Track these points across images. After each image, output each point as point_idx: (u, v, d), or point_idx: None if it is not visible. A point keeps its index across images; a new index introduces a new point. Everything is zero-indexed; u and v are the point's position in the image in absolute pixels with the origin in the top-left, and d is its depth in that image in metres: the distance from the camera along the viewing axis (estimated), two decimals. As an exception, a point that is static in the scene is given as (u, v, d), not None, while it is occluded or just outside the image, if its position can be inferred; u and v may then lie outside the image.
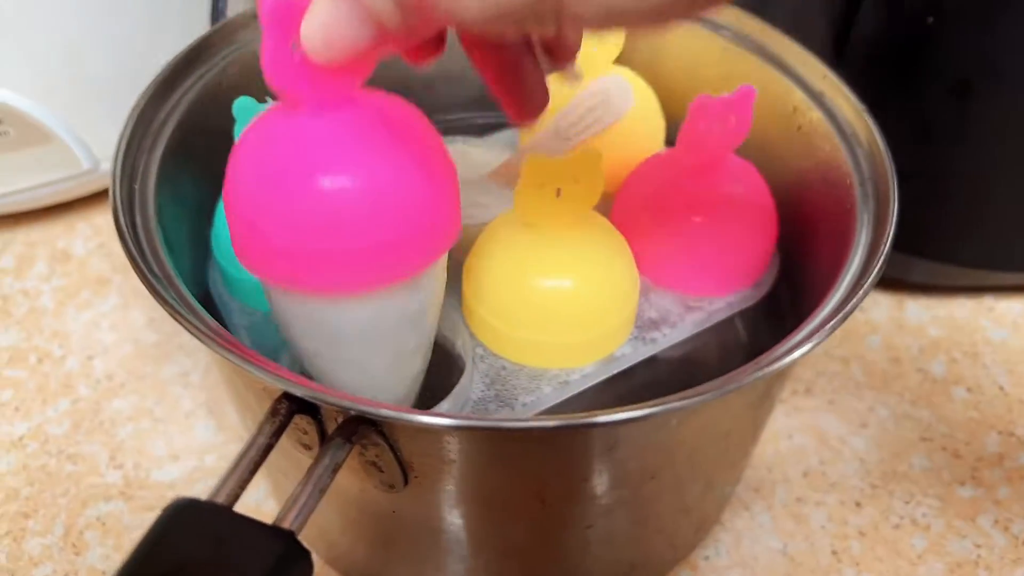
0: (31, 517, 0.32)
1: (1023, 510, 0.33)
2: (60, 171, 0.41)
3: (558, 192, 0.25)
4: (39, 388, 0.37)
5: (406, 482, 0.21)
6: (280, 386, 0.19)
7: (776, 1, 0.35)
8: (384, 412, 0.18)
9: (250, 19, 0.30)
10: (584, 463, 0.22)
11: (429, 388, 0.27)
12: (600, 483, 0.23)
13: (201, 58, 0.29)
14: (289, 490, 0.21)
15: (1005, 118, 0.33)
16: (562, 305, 0.26)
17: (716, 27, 0.32)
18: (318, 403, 0.19)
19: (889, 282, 0.41)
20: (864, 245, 0.23)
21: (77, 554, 0.31)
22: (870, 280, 0.21)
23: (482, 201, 0.31)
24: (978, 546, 0.32)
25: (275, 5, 0.18)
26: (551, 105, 0.32)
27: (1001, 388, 0.38)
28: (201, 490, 0.33)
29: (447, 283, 0.29)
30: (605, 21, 0.15)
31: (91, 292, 0.41)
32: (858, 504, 0.33)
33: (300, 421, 0.20)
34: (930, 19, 0.31)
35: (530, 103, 0.23)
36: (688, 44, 0.32)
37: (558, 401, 0.26)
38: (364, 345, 0.23)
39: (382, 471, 0.21)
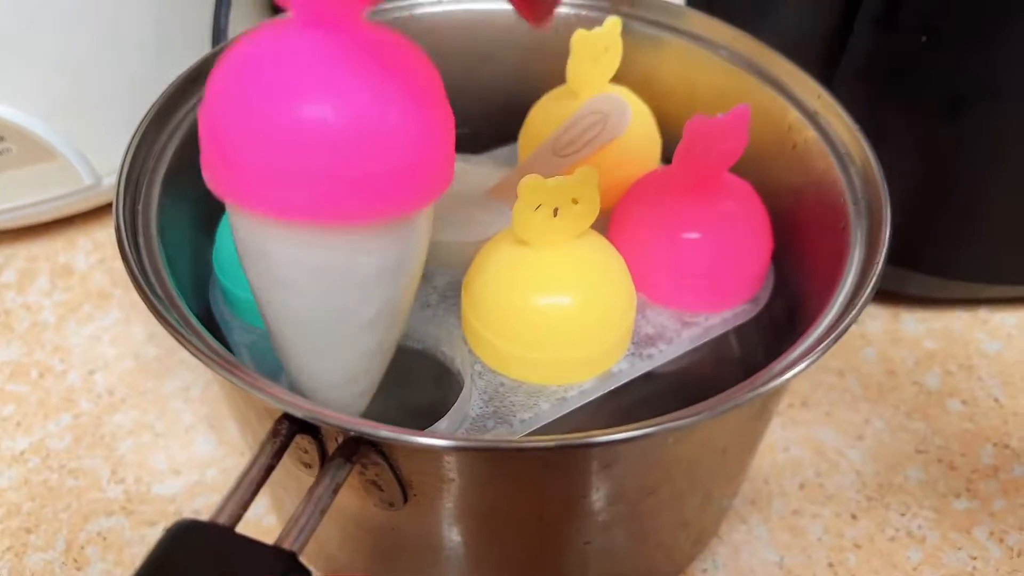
0: (33, 532, 0.33)
1: (1018, 522, 0.34)
2: (62, 187, 0.41)
3: (555, 212, 0.25)
4: (40, 403, 0.37)
5: (405, 500, 0.21)
6: (280, 407, 0.19)
7: (771, 21, 0.36)
8: (383, 433, 0.18)
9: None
10: (582, 481, 0.22)
11: (428, 405, 0.28)
12: (598, 500, 0.23)
13: (203, 79, 0.29)
14: (289, 506, 0.21)
15: (998, 134, 0.33)
16: (560, 322, 0.26)
17: (712, 46, 0.32)
18: (318, 424, 0.19)
19: (884, 295, 0.41)
20: (858, 263, 0.24)
21: (78, 569, 0.32)
22: (864, 298, 0.21)
23: (482, 218, 0.31)
24: (973, 558, 0.33)
25: None
26: (549, 124, 0.32)
27: (996, 400, 0.38)
28: (202, 505, 0.34)
29: (447, 300, 0.30)
30: None
31: (92, 307, 0.41)
32: (854, 516, 0.34)
33: (301, 441, 0.20)
34: (923, 38, 0.31)
35: (542, 5, 0.22)
36: (684, 63, 0.33)
37: (556, 417, 0.26)
38: (315, 295, 0.21)
39: (382, 490, 0.21)
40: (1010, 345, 0.40)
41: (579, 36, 0.30)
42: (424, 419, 0.25)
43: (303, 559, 0.18)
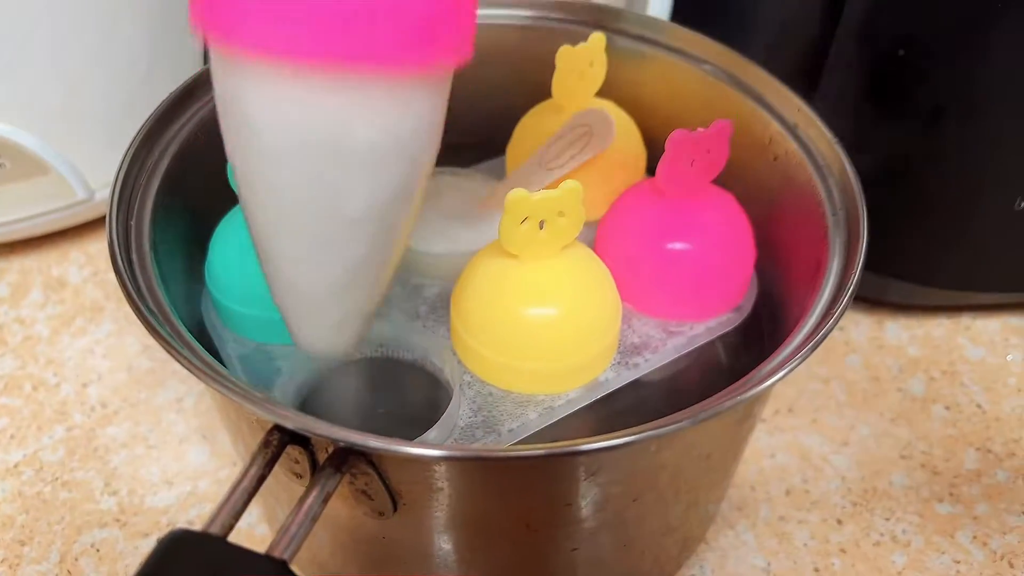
0: (27, 544, 0.33)
1: (1001, 526, 0.34)
2: (55, 201, 0.42)
3: (541, 225, 0.26)
4: (34, 416, 0.37)
5: (395, 509, 0.22)
6: (271, 419, 0.20)
7: (753, 35, 0.36)
8: (373, 443, 0.19)
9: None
10: (567, 489, 0.22)
11: (418, 415, 0.28)
12: (584, 507, 0.23)
13: (195, 95, 0.29)
14: (281, 515, 0.21)
15: (976, 144, 0.34)
16: (546, 332, 0.26)
17: (696, 60, 0.33)
18: (308, 435, 0.20)
19: (868, 302, 0.42)
20: (836, 273, 0.24)
21: (72, 581, 0.32)
22: (841, 307, 0.22)
23: (470, 231, 0.32)
24: (957, 562, 0.33)
25: None
26: (536, 138, 0.33)
27: (979, 406, 0.39)
28: (195, 515, 0.34)
29: (437, 312, 0.30)
30: None
31: (85, 319, 0.41)
32: (839, 521, 0.34)
33: (292, 451, 0.21)
34: (901, 51, 0.32)
35: None
36: (669, 77, 0.33)
37: (543, 426, 0.26)
38: (298, 173, 0.19)
39: (371, 499, 0.21)
40: (992, 351, 0.41)
41: (564, 51, 0.31)
42: (414, 429, 0.26)
43: (294, 567, 0.18)
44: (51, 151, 0.39)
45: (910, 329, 0.42)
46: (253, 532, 0.33)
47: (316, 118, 0.18)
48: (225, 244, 0.28)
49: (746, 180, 0.31)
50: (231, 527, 0.18)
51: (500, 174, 0.35)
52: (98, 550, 0.33)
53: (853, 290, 0.23)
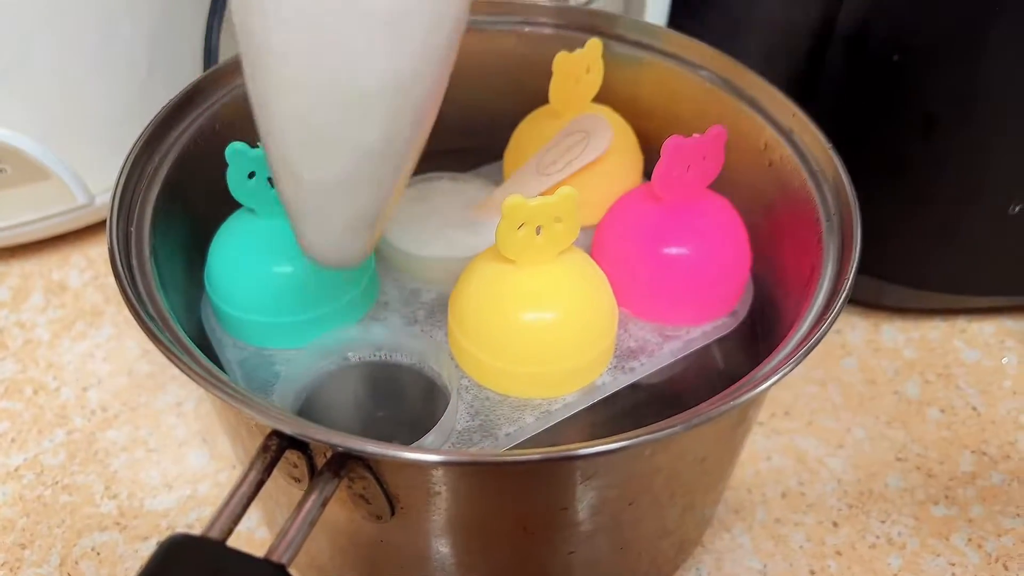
0: (27, 547, 0.33)
1: (996, 528, 0.34)
2: (56, 206, 0.42)
3: (538, 230, 0.26)
4: (35, 419, 0.38)
5: (393, 513, 0.22)
6: (270, 424, 0.20)
7: (749, 42, 0.37)
8: (370, 448, 0.19)
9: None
10: (564, 492, 0.23)
11: (416, 419, 0.28)
12: (580, 511, 0.24)
13: (194, 102, 0.30)
14: (280, 518, 0.22)
15: (969, 149, 0.34)
16: (544, 337, 0.27)
17: (692, 66, 0.33)
18: (307, 440, 0.20)
19: (865, 306, 0.42)
20: (830, 279, 0.24)
21: (73, 584, 0.32)
22: (834, 312, 0.22)
23: (468, 235, 0.32)
24: (952, 564, 0.33)
25: None
26: (533, 143, 0.33)
27: (974, 408, 0.39)
28: (194, 519, 0.34)
29: (434, 316, 0.30)
30: None
31: (86, 323, 0.42)
32: (835, 524, 0.34)
33: (291, 455, 0.21)
34: (895, 57, 0.32)
35: None
36: (665, 82, 0.34)
37: (541, 430, 0.27)
38: (308, 49, 0.17)
39: (369, 503, 0.22)
40: (987, 354, 0.41)
41: (561, 58, 0.31)
42: (413, 432, 0.26)
43: (293, 571, 0.19)
44: (52, 156, 0.40)
45: (906, 332, 0.42)
46: (253, 536, 0.33)
47: None
48: (224, 249, 0.28)
49: (742, 185, 0.31)
50: (230, 531, 0.19)
51: (498, 179, 0.36)
52: (98, 553, 0.33)
53: (846, 296, 0.23)
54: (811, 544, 0.34)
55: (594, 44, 0.32)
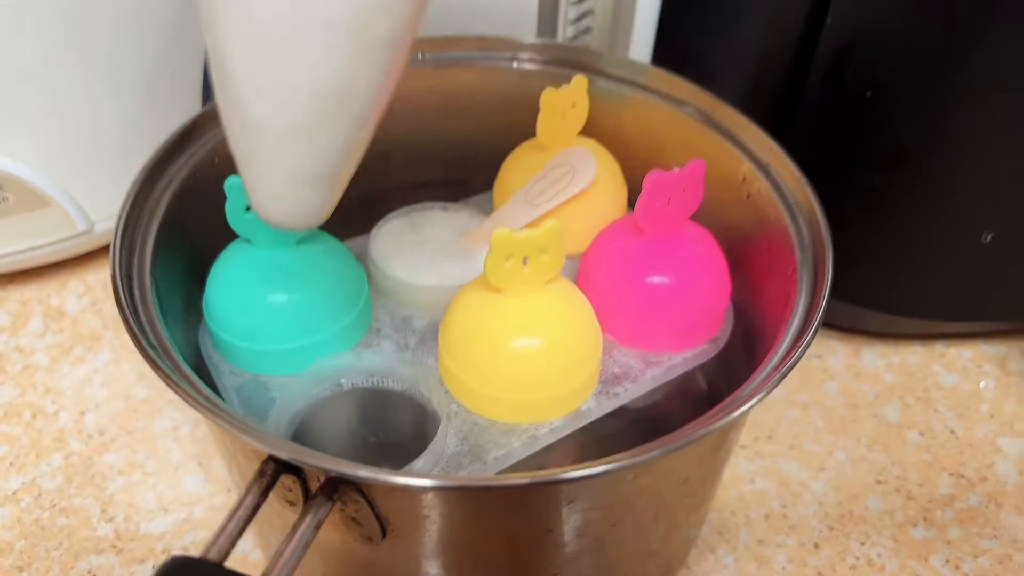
0: (25, 571, 0.34)
1: (973, 549, 0.35)
2: (56, 233, 0.43)
3: (525, 261, 0.27)
4: (33, 443, 0.38)
5: (384, 535, 0.23)
6: (266, 449, 0.21)
7: (729, 78, 0.38)
8: (363, 473, 0.20)
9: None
10: (548, 515, 0.23)
11: (407, 443, 0.29)
12: (565, 532, 0.24)
13: (193, 136, 0.31)
14: (274, 541, 0.22)
15: (940, 181, 0.35)
16: (531, 364, 0.28)
17: (674, 101, 0.34)
18: (301, 465, 0.21)
19: (845, 330, 0.43)
20: (803, 310, 0.26)
21: (69, 606, 0.33)
22: (803, 344, 0.23)
23: (458, 264, 0.33)
24: (930, 584, 0.34)
25: None
26: (521, 175, 0.34)
27: (952, 432, 0.40)
28: (190, 542, 0.35)
29: (425, 343, 0.31)
30: None
31: (84, 348, 0.42)
32: (816, 545, 0.35)
33: (285, 480, 0.22)
34: (868, 93, 0.34)
35: None
36: (648, 117, 0.35)
37: (528, 455, 0.27)
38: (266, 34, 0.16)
39: (361, 525, 0.22)
40: (965, 378, 0.42)
41: (548, 94, 0.32)
42: (404, 456, 0.27)
43: (287, 592, 0.19)
44: (53, 185, 0.41)
45: (886, 356, 0.43)
46: (247, 558, 0.34)
47: None
48: (222, 279, 0.29)
49: (722, 216, 0.32)
50: (227, 553, 0.19)
51: (487, 209, 0.37)
52: (95, 576, 0.34)
53: (817, 325, 0.24)
54: (793, 565, 0.35)
55: (579, 81, 0.33)
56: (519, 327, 0.28)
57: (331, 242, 0.31)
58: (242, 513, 0.20)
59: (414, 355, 0.31)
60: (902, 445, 0.39)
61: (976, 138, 0.33)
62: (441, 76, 0.37)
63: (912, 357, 0.43)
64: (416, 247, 0.33)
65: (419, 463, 0.26)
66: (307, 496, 0.22)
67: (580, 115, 0.34)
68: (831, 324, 0.43)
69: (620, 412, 0.30)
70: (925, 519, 0.36)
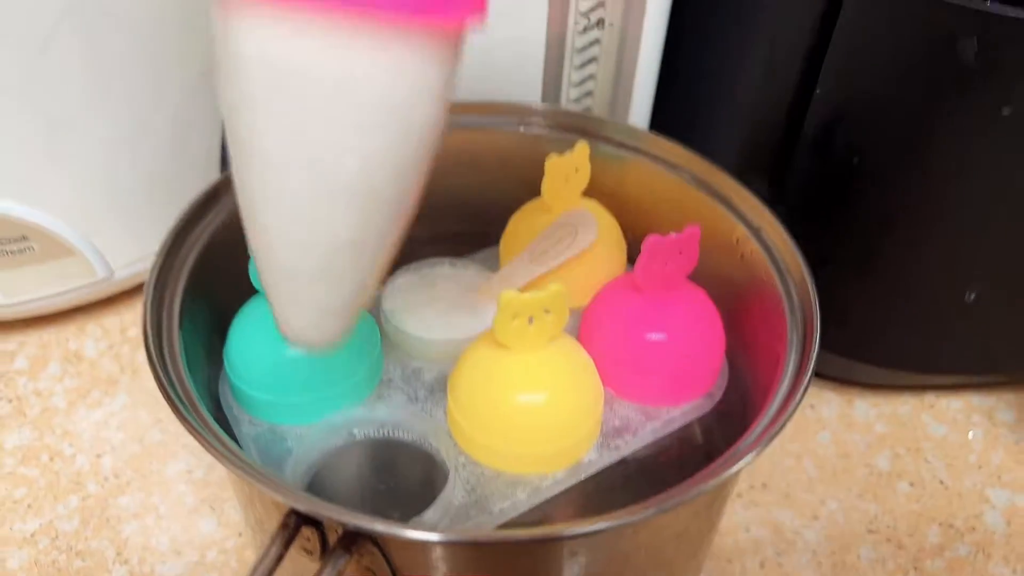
0: (42, 612, 0.35)
1: (962, 598, 0.36)
2: (77, 280, 0.44)
3: (530, 320, 0.29)
4: (50, 485, 0.40)
5: (397, 585, 0.24)
6: (290, 503, 0.22)
7: (723, 144, 0.40)
8: (379, 528, 0.21)
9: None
10: (552, 567, 0.25)
11: (417, 492, 0.30)
12: (568, 583, 0.26)
13: (217, 198, 0.33)
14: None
15: (924, 243, 0.37)
16: (535, 418, 0.29)
17: (671, 166, 0.36)
18: (321, 518, 0.22)
19: (838, 381, 0.45)
20: (791, 374, 0.27)
21: (84, 648, 0.34)
22: (790, 411, 0.25)
23: (466, 318, 0.35)
24: (920, 633, 0.35)
25: None
26: (527, 233, 0.36)
27: (941, 482, 0.41)
28: (202, 585, 0.36)
29: (434, 395, 0.33)
30: None
31: (101, 392, 0.44)
32: (810, 594, 0.36)
33: (305, 531, 0.23)
34: (855, 160, 0.36)
35: None
36: (647, 180, 0.37)
37: (532, 506, 0.29)
38: (288, 122, 0.18)
39: (376, 575, 0.24)
40: (954, 429, 0.44)
41: (552, 161, 0.34)
42: (412, 504, 0.28)
43: (306, 640, 0.21)
44: (78, 235, 0.42)
45: (877, 407, 0.44)
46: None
47: (308, 65, 0.17)
48: (242, 333, 0.31)
49: (717, 276, 0.34)
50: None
51: (494, 264, 0.39)
52: (109, 618, 0.34)
53: (805, 389, 0.26)
54: (787, 613, 0.36)
55: (582, 147, 0.35)
56: (524, 383, 0.29)
57: (346, 298, 0.32)
58: (267, 564, 0.21)
59: (423, 407, 0.32)
60: (893, 495, 0.40)
61: (956, 204, 0.35)
62: (452, 139, 0.39)
63: (903, 407, 0.44)
64: (427, 303, 0.35)
65: (429, 514, 0.27)
66: (324, 546, 0.23)
67: (582, 178, 0.36)
68: (824, 375, 0.45)
69: (620, 462, 0.31)
70: (915, 568, 0.37)
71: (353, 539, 0.22)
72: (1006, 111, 0.32)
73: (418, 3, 0.17)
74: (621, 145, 0.37)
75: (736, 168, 0.35)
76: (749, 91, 0.39)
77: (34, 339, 0.46)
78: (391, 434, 0.31)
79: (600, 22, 0.39)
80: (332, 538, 0.23)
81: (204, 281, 0.31)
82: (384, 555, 0.23)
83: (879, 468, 0.42)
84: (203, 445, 0.23)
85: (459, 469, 0.29)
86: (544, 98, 0.41)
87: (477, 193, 0.40)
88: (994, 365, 0.42)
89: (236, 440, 0.31)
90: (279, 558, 0.21)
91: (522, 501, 0.29)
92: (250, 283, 0.30)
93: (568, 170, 0.35)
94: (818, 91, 0.36)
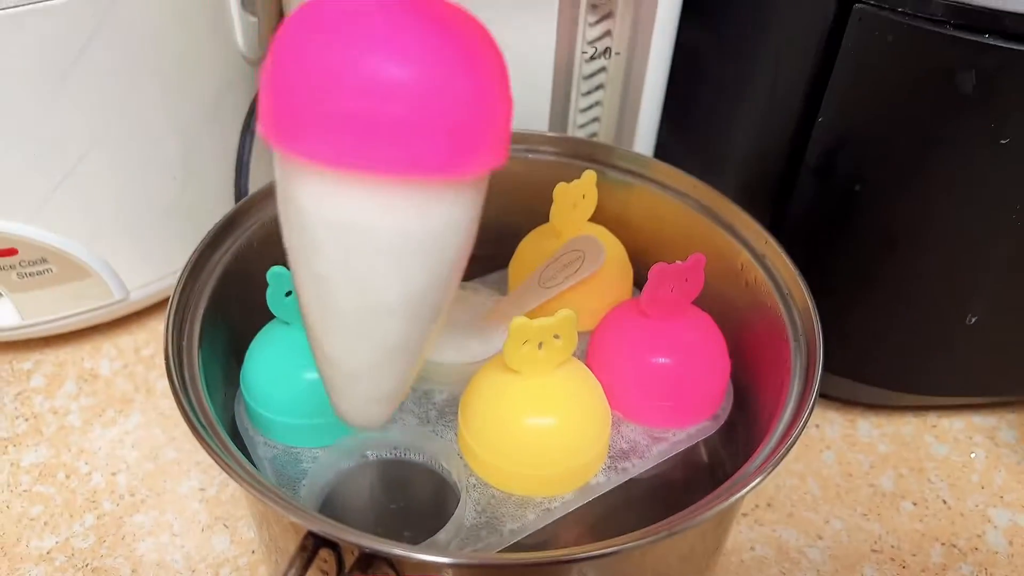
0: (59, 629, 0.35)
1: (965, 618, 0.37)
2: (94, 301, 0.45)
3: (540, 345, 0.29)
4: (66, 503, 0.40)
5: (410, 605, 0.25)
6: (307, 526, 0.23)
7: (728, 171, 0.41)
8: (395, 551, 0.22)
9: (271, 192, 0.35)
10: (561, 588, 0.25)
11: (427, 511, 0.31)
12: (576, 603, 0.26)
13: (236, 224, 0.34)
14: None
15: (926, 268, 0.38)
16: (544, 440, 0.30)
17: (676, 193, 0.37)
18: (339, 541, 0.23)
19: (842, 402, 0.46)
20: (795, 398, 0.28)
21: (101, 665, 0.34)
22: (793, 437, 0.25)
23: (476, 342, 0.35)
24: (924, 653, 0.36)
25: None
26: (535, 258, 0.37)
27: (944, 502, 0.42)
28: (216, 602, 0.36)
29: (445, 417, 0.33)
30: None
31: (116, 411, 0.45)
32: (814, 614, 0.37)
33: (322, 552, 0.24)
34: (857, 187, 0.37)
35: None
36: (653, 206, 0.38)
37: (541, 527, 0.29)
38: (338, 260, 0.21)
39: (390, 596, 0.24)
40: (956, 448, 0.44)
41: (560, 188, 0.35)
42: (424, 524, 0.29)
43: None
44: (95, 258, 0.43)
45: (880, 427, 0.45)
46: (270, 619, 0.36)
47: (355, 215, 0.20)
48: (259, 356, 0.32)
49: (721, 302, 0.34)
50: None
51: (503, 287, 0.39)
52: (125, 635, 0.35)
53: (808, 414, 0.26)
54: (792, 632, 0.36)
55: (589, 175, 0.36)
56: (534, 406, 0.30)
57: (360, 322, 0.33)
58: (286, 586, 0.22)
59: (434, 429, 0.33)
60: (896, 514, 0.41)
61: (956, 230, 0.36)
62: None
63: (906, 428, 0.45)
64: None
65: (441, 535, 0.28)
66: (341, 568, 0.24)
67: (590, 205, 0.36)
68: (828, 395, 0.45)
69: (627, 483, 0.32)
70: (918, 588, 0.38)
71: (369, 561, 0.23)
72: (1004, 140, 0.32)
73: (453, 162, 0.19)
74: (627, 172, 0.38)
75: (740, 195, 0.36)
76: (753, 120, 0.40)
77: (51, 358, 0.47)
78: (403, 455, 0.32)
79: (607, 51, 0.40)
80: (349, 560, 0.23)
81: (223, 306, 0.32)
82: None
83: (882, 488, 0.42)
84: (222, 467, 0.24)
85: (470, 490, 0.30)
86: (551, 125, 0.41)
87: (486, 218, 0.41)
88: (995, 387, 0.43)
89: (252, 461, 0.31)
90: (298, 580, 0.22)
91: (531, 522, 0.29)
92: (267, 308, 0.31)
93: (576, 197, 0.36)
94: (820, 120, 0.37)
